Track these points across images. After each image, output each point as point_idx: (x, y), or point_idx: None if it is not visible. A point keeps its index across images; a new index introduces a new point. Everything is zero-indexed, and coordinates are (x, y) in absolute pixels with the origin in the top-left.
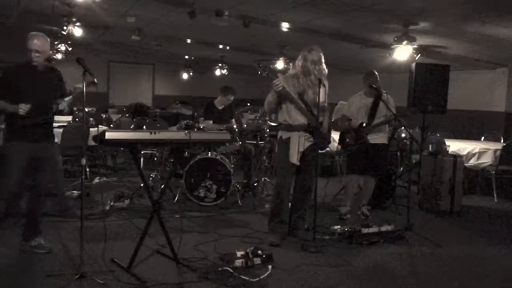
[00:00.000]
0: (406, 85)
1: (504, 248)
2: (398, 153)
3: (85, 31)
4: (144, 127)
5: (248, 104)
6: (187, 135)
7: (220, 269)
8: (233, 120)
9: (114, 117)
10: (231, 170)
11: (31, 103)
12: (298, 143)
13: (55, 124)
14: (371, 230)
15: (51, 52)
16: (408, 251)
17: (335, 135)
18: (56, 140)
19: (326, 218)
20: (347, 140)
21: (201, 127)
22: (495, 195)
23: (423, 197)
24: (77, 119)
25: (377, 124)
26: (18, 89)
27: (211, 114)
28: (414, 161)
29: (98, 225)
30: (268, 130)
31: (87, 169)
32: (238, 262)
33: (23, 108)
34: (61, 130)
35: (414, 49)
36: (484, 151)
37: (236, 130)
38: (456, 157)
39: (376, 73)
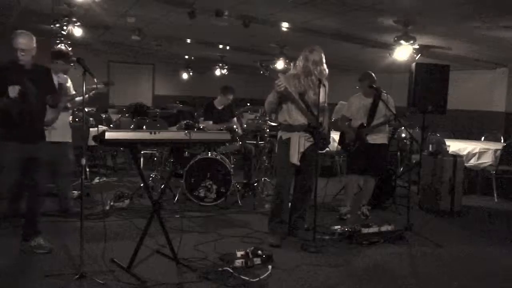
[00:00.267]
0: (406, 85)
1: (504, 248)
2: (398, 153)
3: (85, 31)
4: (144, 127)
5: (248, 104)
6: (187, 135)
7: (220, 269)
8: (234, 119)
9: (114, 117)
10: (231, 170)
11: (19, 104)
12: (298, 143)
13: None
14: (371, 230)
15: (67, 50)
16: (408, 251)
17: (335, 135)
18: (69, 140)
19: (326, 218)
20: (347, 140)
21: (201, 127)
22: (495, 195)
23: (423, 197)
24: (77, 119)
25: (377, 124)
26: (4, 89)
27: (211, 114)
28: (414, 161)
29: (98, 225)
30: (268, 130)
31: (87, 169)
32: (238, 262)
33: (12, 92)
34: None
35: (414, 49)
36: (484, 151)
37: (237, 130)
38: (456, 157)
39: (373, 74)
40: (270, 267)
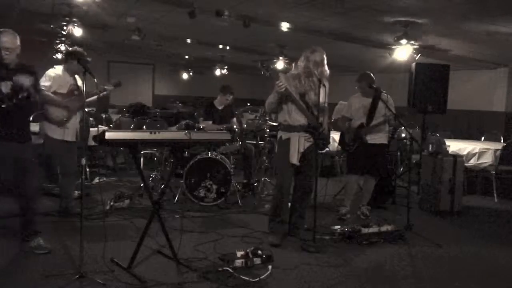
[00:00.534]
0: (406, 85)
1: (504, 248)
2: (398, 153)
3: (85, 31)
4: (144, 127)
5: (248, 104)
6: (187, 135)
7: (220, 269)
8: (234, 119)
9: (114, 117)
10: (231, 170)
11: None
12: (299, 144)
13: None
14: (371, 230)
15: (82, 50)
16: (408, 251)
17: (335, 135)
18: (73, 139)
19: (326, 218)
20: (347, 140)
21: (201, 127)
22: (495, 195)
23: (423, 197)
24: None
25: (376, 124)
26: None
27: (211, 114)
28: (414, 161)
29: (98, 225)
30: (268, 130)
31: (87, 169)
32: (238, 262)
33: (4, 87)
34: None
35: (414, 49)
36: (484, 151)
37: (237, 130)
38: (456, 157)
39: (372, 74)
40: (270, 267)
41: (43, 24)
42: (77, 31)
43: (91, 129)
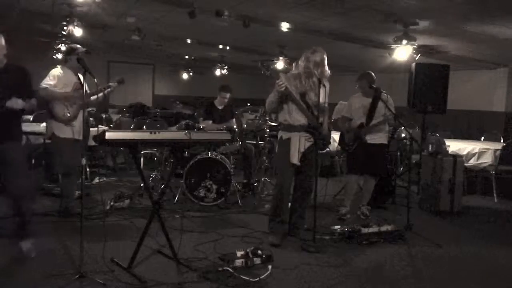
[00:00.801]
0: (406, 85)
1: (504, 248)
2: (398, 153)
3: (85, 31)
4: (144, 127)
5: (248, 104)
6: (187, 135)
7: (220, 269)
8: (234, 119)
9: (114, 117)
10: (231, 170)
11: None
12: (299, 144)
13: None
14: (371, 230)
15: (80, 48)
16: (408, 251)
17: (335, 135)
18: (80, 138)
19: (326, 218)
20: (347, 140)
21: (201, 127)
22: (495, 195)
23: (423, 197)
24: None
25: (375, 124)
26: None
27: (211, 114)
28: (414, 161)
29: (98, 225)
30: (268, 130)
31: (87, 169)
32: (238, 262)
33: None
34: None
35: (414, 49)
36: (484, 151)
37: (237, 130)
38: (456, 157)
39: (372, 73)
40: (270, 267)
41: (43, 24)
42: (77, 31)
43: (91, 129)
